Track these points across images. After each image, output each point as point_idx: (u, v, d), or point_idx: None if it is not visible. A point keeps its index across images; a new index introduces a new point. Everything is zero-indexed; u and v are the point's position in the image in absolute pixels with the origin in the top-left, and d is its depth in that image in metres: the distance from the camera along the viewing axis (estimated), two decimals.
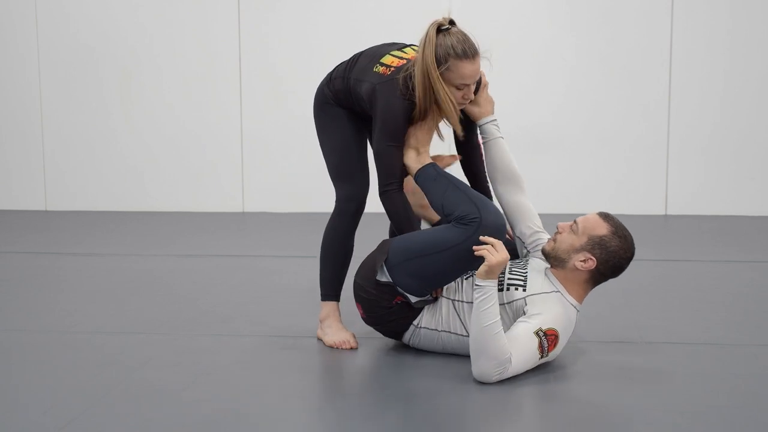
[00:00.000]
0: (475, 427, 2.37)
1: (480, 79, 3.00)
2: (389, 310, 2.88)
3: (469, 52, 2.80)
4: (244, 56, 6.02)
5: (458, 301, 2.85)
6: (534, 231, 2.99)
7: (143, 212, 6.14)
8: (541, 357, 2.70)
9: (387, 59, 2.96)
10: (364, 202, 3.10)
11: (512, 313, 2.79)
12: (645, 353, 2.97)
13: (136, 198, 6.22)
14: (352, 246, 3.14)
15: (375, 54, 3.02)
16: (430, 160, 2.95)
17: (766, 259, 4.54)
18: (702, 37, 5.86)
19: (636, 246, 2.83)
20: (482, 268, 2.64)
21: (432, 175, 2.91)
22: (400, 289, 2.84)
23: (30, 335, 3.20)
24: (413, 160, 2.93)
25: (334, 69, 3.13)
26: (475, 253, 2.68)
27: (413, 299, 2.85)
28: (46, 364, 2.87)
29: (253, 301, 3.66)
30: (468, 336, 2.78)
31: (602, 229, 2.75)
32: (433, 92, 2.82)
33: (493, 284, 2.64)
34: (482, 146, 3.07)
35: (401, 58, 2.95)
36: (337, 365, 2.89)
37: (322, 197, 5.87)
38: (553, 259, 2.82)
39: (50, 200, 6.28)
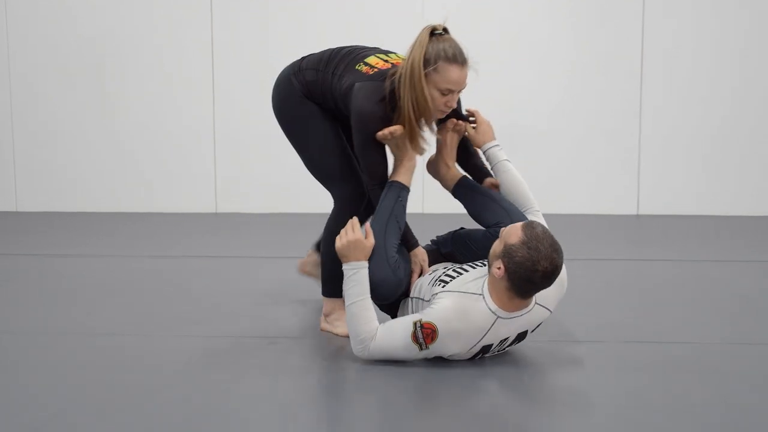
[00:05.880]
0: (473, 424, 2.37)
1: (460, 107, 3.06)
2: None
3: (459, 57, 2.79)
4: (217, 55, 5.99)
5: (416, 298, 2.93)
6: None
7: (116, 213, 6.09)
8: (421, 349, 2.73)
9: (371, 59, 2.94)
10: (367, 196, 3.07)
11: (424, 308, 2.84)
12: (649, 353, 2.97)
13: (109, 199, 6.16)
14: None
15: (358, 52, 3.00)
16: (460, 173, 3.11)
17: None
18: (707, 36, 5.89)
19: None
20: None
21: (469, 187, 3.10)
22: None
23: (19, 337, 3.18)
24: (446, 174, 3.12)
25: (302, 59, 3.09)
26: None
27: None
28: (47, 365, 2.86)
29: (226, 303, 3.64)
30: None
31: (514, 238, 2.65)
32: (415, 93, 2.78)
33: (350, 267, 2.82)
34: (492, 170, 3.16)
35: (386, 61, 2.93)
36: (340, 364, 2.89)
37: (299, 198, 5.89)
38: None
39: (20, 201, 6.22)
